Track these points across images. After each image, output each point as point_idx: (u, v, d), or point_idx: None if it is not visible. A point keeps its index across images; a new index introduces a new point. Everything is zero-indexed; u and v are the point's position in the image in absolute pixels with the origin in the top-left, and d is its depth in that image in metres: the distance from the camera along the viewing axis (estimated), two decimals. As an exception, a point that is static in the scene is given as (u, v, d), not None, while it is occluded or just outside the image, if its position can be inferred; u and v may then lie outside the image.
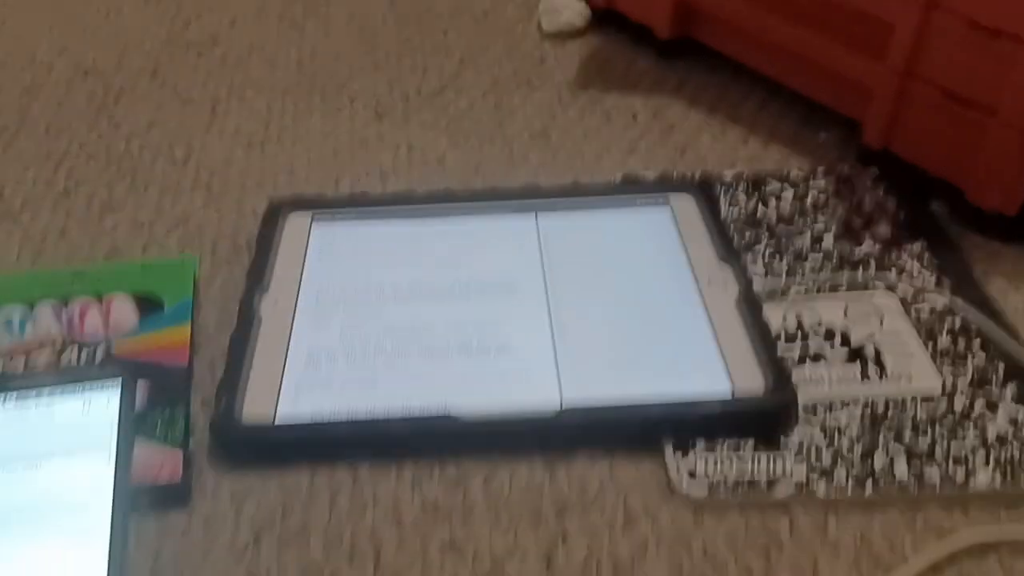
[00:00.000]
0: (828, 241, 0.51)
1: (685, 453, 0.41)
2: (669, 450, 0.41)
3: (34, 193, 0.57)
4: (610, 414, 0.41)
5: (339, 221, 0.53)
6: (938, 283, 0.48)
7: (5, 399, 0.41)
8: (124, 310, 0.47)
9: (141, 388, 0.42)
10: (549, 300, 0.47)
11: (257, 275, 0.48)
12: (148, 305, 0.47)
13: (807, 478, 0.39)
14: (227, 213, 0.55)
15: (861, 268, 0.50)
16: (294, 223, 0.52)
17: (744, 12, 0.61)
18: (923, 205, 0.54)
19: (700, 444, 0.41)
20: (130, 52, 0.70)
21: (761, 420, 0.41)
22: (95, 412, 0.40)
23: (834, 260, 0.50)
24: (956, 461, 0.40)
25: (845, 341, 0.45)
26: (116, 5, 0.76)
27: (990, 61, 0.49)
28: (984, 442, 0.40)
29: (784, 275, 0.49)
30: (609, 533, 0.38)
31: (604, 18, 0.71)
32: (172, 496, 0.39)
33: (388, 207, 0.53)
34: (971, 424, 0.41)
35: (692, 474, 0.40)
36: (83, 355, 0.44)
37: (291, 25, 0.74)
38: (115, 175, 0.58)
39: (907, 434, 0.41)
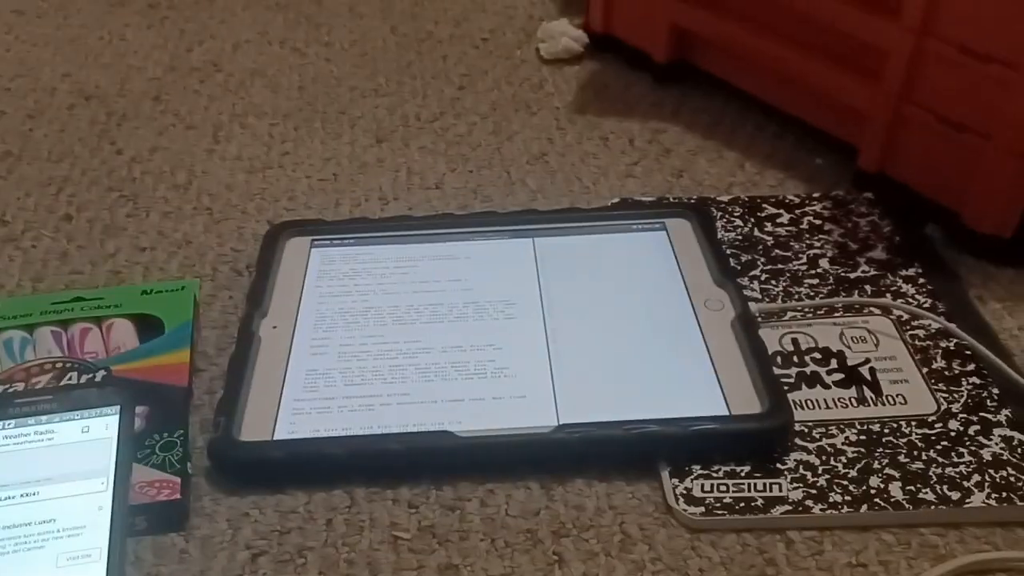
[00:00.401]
0: (824, 265, 0.52)
1: (682, 476, 0.41)
2: (666, 474, 0.41)
3: (36, 218, 0.57)
4: (607, 430, 0.41)
5: (338, 245, 0.53)
6: (933, 306, 0.49)
7: (5, 424, 0.41)
8: (124, 333, 0.47)
9: (140, 411, 0.42)
10: (546, 323, 0.47)
11: (256, 298, 0.49)
12: (148, 328, 0.47)
13: (803, 500, 0.39)
14: (228, 237, 0.56)
15: (856, 291, 0.50)
16: (293, 247, 0.53)
17: (740, 37, 0.61)
18: (918, 228, 0.54)
19: (696, 467, 0.41)
20: (133, 77, 0.71)
21: (757, 441, 0.41)
22: (94, 436, 0.40)
23: (830, 283, 0.50)
24: (951, 483, 0.40)
25: (841, 364, 0.46)
26: (119, 31, 0.77)
27: (983, 86, 0.49)
28: (979, 465, 0.41)
29: (780, 298, 0.50)
30: (605, 556, 0.38)
31: (601, 43, 0.72)
32: (170, 519, 0.40)
33: (386, 231, 0.54)
34: (965, 447, 0.41)
35: (688, 496, 0.40)
36: (83, 378, 0.45)
37: (292, 50, 0.75)
38: (117, 200, 0.59)
39: (902, 457, 0.41)
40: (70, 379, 0.44)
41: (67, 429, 0.41)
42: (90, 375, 0.45)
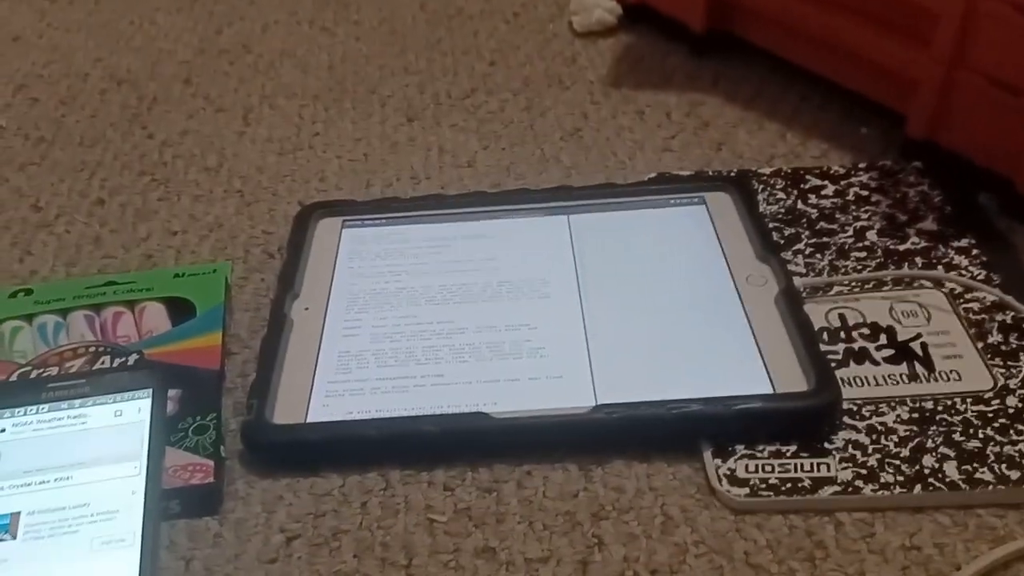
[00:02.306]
0: (871, 237, 0.50)
1: (725, 456, 0.39)
2: (708, 454, 0.40)
3: (69, 203, 0.57)
4: (646, 410, 0.40)
5: (369, 225, 0.52)
6: (988, 278, 0.47)
7: (39, 408, 0.41)
8: (156, 316, 0.47)
9: (173, 394, 0.42)
10: (582, 301, 0.46)
11: (288, 280, 0.48)
12: (180, 311, 0.47)
13: (852, 481, 0.38)
14: (259, 220, 0.55)
15: (906, 264, 0.48)
16: (325, 228, 0.52)
17: (782, 3, 0.59)
18: (970, 198, 0.52)
19: (740, 447, 0.40)
20: (163, 61, 0.71)
21: (804, 420, 0.40)
22: (126, 420, 0.40)
23: (878, 256, 0.49)
24: (1009, 462, 0.38)
25: (891, 340, 0.44)
26: (149, 15, 0.77)
27: (1039, 46, 0.47)
28: (1040, 443, 0.39)
29: (826, 272, 0.48)
30: (646, 539, 0.37)
31: (636, 15, 0.70)
32: (203, 502, 0.39)
33: (418, 210, 0.53)
34: (1025, 424, 0.40)
35: (732, 477, 0.39)
36: (115, 362, 0.44)
37: (321, 30, 0.74)
38: (148, 184, 0.58)
39: (957, 435, 0.39)
40: (103, 363, 0.44)
41: (100, 413, 0.40)
42: (122, 359, 0.44)
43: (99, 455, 0.39)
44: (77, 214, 0.56)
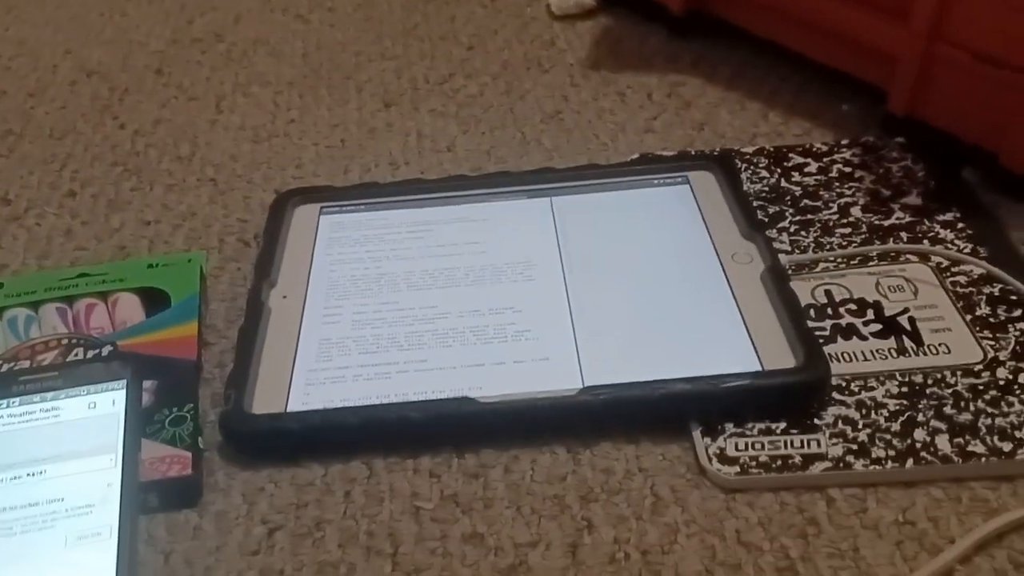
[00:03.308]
0: (856, 213, 0.49)
1: (714, 435, 0.39)
2: (697, 433, 0.39)
3: (39, 195, 0.56)
4: (634, 390, 0.39)
5: (348, 211, 0.51)
6: (974, 251, 0.46)
7: (9, 402, 0.39)
8: (130, 307, 0.46)
9: (148, 385, 0.41)
10: (567, 283, 0.45)
11: (264, 268, 0.47)
12: (155, 302, 0.46)
13: (844, 456, 0.37)
14: (234, 208, 0.54)
15: (892, 239, 0.47)
16: (302, 215, 0.51)
17: (759, -18, 0.59)
18: (954, 172, 0.52)
19: (729, 426, 0.39)
20: (134, 51, 0.69)
21: (793, 396, 0.39)
22: (100, 412, 0.39)
23: (863, 232, 0.48)
24: (1001, 434, 0.38)
25: (878, 315, 0.43)
26: (120, 6, 0.75)
27: (1019, 18, 0.46)
28: (1030, 414, 0.38)
29: (811, 249, 0.47)
30: (636, 520, 0.37)
31: (614, -3, 0.69)
32: (182, 495, 0.38)
33: (398, 195, 0.52)
34: (1016, 396, 0.39)
35: (722, 456, 0.38)
36: (89, 354, 0.43)
37: (296, 18, 0.73)
38: (120, 174, 0.57)
39: (948, 408, 0.39)
40: (76, 355, 0.43)
41: (73, 405, 0.39)
42: (96, 350, 0.43)
43: (73, 448, 0.38)
44: (48, 206, 0.55)
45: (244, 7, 0.74)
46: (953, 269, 0.45)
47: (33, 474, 0.37)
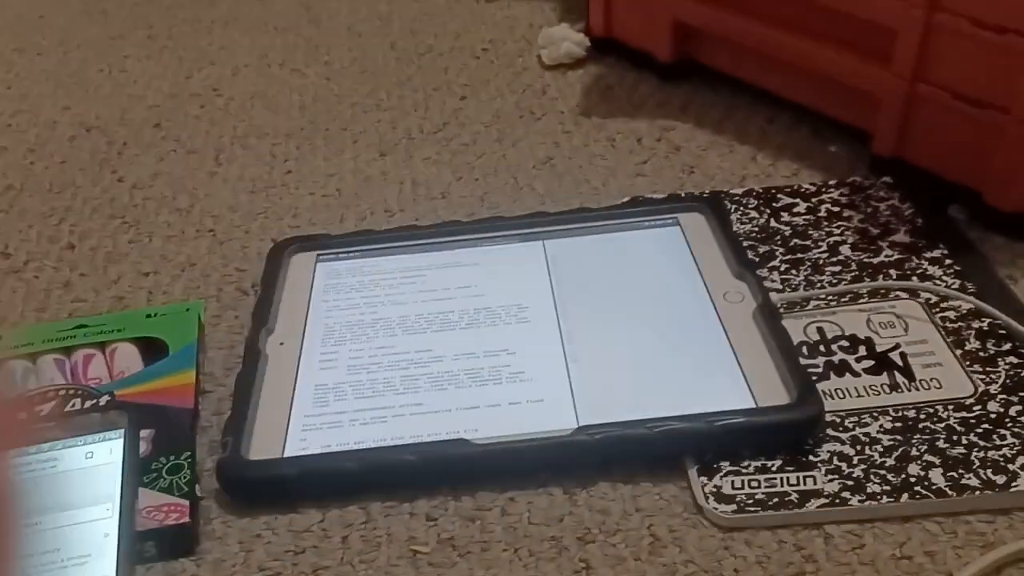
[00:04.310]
0: (845, 251, 0.50)
1: (710, 474, 0.39)
2: (693, 472, 0.39)
3: (38, 249, 0.56)
4: (629, 429, 0.39)
5: (343, 258, 0.52)
6: (962, 287, 0.47)
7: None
8: (128, 357, 0.46)
9: (146, 434, 0.41)
10: (560, 325, 0.46)
11: (262, 316, 0.47)
12: (153, 351, 0.46)
13: (839, 492, 0.37)
14: (232, 258, 0.54)
15: (881, 276, 0.48)
16: (298, 262, 0.52)
17: (744, 28, 0.60)
18: (940, 211, 0.52)
19: (725, 464, 0.39)
20: (133, 106, 0.71)
21: (788, 433, 0.39)
22: (98, 462, 0.39)
23: (853, 270, 0.49)
24: (994, 467, 0.38)
25: (870, 351, 0.44)
26: (118, 63, 0.77)
27: (999, 59, 0.48)
28: (1023, 446, 0.38)
29: (802, 288, 0.48)
30: (634, 561, 0.37)
31: (604, 47, 0.71)
32: (179, 543, 0.38)
33: (392, 242, 0.53)
34: (1007, 428, 0.39)
35: (718, 494, 0.38)
36: (87, 404, 0.43)
37: (292, 72, 0.74)
38: (119, 227, 0.58)
39: (941, 442, 0.39)
40: (73, 406, 0.43)
41: (70, 456, 0.39)
42: (94, 401, 0.43)
43: (70, 498, 0.38)
44: (47, 259, 0.55)
45: (242, 62, 0.76)
46: (942, 305, 0.46)
47: (29, 525, 0.37)
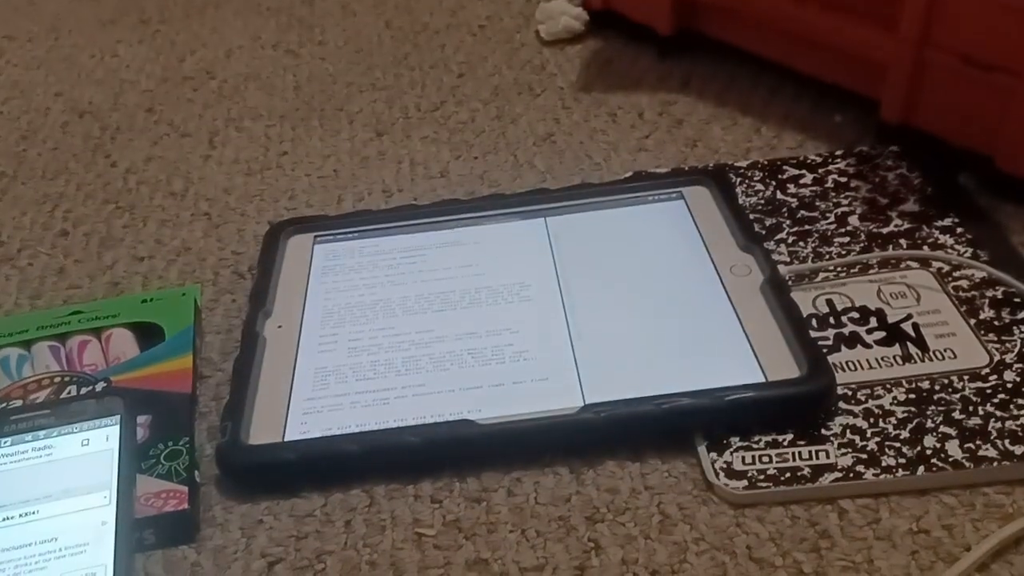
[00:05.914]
0: (853, 222, 0.49)
1: (720, 450, 0.38)
2: (703, 448, 0.38)
3: (32, 236, 0.55)
4: (636, 406, 0.38)
5: (341, 239, 0.51)
6: (975, 255, 0.46)
7: (1, 442, 0.39)
8: (124, 343, 0.45)
9: (143, 420, 0.40)
10: (564, 302, 0.45)
11: (259, 299, 0.47)
12: (149, 336, 0.45)
13: (853, 466, 0.37)
14: (228, 241, 0.53)
15: (891, 246, 0.47)
16: (295, 244, 0.51)
17: (745, -2, 0.59)
18: (950, 178, 0.51)
19: (735, 439, 0.38)
20: (126, 91, 0.69)
21: (799, 407, 0.39)
22: (94, 449, 0.38)
23: (862, 240, 0.48)
24: (1012, 437, 0.37)
25: (881, 322, 0.43)
26: (110, 48, 0.76)
27: (1009, 21, 0.46)
28: (1041, 415, 0.38)
29: (810, 259, 0.47)
30: (644, 540, 0.36)
31: (602, 20, 0.69)
32: (178, 530, 0.37)
33: (390, 222, 0.52)
34: (1025, 398, 0.38)
35: (729, 470, 0.37)
36: (82, 391, 0.42)
37: (286, 52, 0.73)
38: (113, 212, 0.57)
39: (957, 413, 0.38)
40: (69, 393, 0.42)
41: (66, 443, 0.38)
42: (89, 387, 0.43)
43: (67, 487, 0.37)
44: (40, 246, 0.55)
45: (235, 44, 0.75)
46: (955, 274, 0.45)
47: (25, 515, 0.36)
